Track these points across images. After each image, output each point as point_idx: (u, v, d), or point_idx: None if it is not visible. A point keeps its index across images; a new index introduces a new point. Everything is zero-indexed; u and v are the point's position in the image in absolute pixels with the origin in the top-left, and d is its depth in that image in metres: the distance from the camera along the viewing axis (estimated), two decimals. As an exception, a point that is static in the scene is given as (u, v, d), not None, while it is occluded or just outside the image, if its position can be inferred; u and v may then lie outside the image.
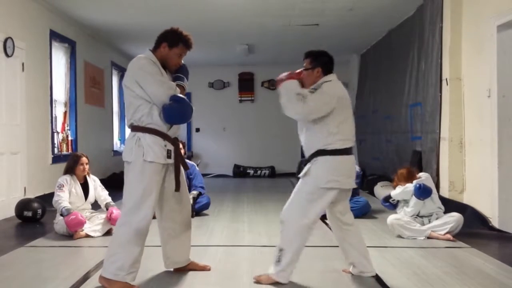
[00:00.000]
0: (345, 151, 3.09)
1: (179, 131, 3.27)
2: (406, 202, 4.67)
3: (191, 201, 5.40)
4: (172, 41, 3.14)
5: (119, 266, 2.97)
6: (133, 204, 3.01)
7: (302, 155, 3.39)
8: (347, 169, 3.12)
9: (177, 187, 3.16)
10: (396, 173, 4.89)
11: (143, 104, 3.03)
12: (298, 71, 3.19)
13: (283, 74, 3.15)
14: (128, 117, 3.14)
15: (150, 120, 3.03)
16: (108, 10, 7.22)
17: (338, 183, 3.05)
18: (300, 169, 3.20)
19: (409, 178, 4.68)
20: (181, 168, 3.25)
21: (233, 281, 3.28)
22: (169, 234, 3.31)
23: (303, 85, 3.16)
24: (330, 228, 4.99)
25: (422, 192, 4.46)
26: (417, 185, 4.47)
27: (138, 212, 2.99)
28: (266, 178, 11.27)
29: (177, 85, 3.12)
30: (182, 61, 3.27)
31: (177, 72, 3.22)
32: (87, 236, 4.53)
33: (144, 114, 3.03)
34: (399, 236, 4.53)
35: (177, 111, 3.01)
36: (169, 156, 3.09)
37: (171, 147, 3.10)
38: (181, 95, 3.05)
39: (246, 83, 12.09)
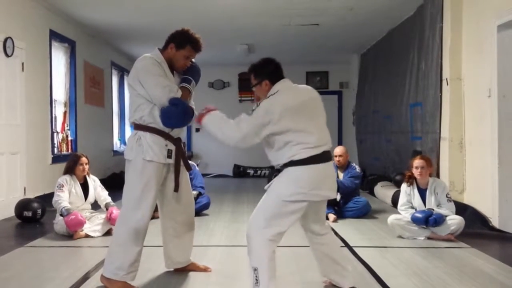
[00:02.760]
0: (312, 160, 2.73)
1: (183, 131, 3.26)
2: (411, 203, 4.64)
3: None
4: (179, 42, 3.08)
5: (119, 265, 2.98)
6: (132, 203, 3.01)
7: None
8: (315, 180, 2.74)
9: (176, 188, 3.15)
10: (410, 165, 4.62)
11: (144, 104, 3.02)
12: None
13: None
14: (130, 115, 3.14)
15: (151, 120, 3.01)
16: (108, 10, 7.21)
17: (304, 195, 2.72)
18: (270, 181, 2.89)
19: (430, 165, 4.58)
20: (183, 168, 3.23)
21: (233, 281, 3.28)
22: (171, 234, 3.31)
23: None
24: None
25: (435, 225, 4.36)
26: (433, 219, 4.32)
27: (136, 212, 3.00)
28: (266, 178, 11.25)
29: (182, 87, 3.06)
30: (194, 61, 3.22)
31: (186, 73, 3.16)
32: (87, 236, 4.52)
33: (145, 114, 3.02)
34: (400, 236, 4.53)
35: (173, 114, 2.94)
36: (169, 156, 3.07)
37: (172, 146, 3.09)
38: (179, 98, 2.97)
39: (246, 83, 11.97)
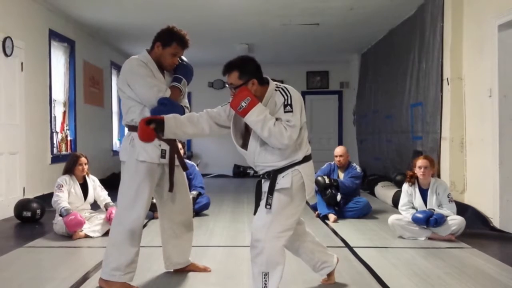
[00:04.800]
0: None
1: None
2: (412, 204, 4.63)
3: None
4: (165, 40, 3.07)
5: (115, 266, 2.98)
6: (126, 204, 3.01)
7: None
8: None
9: (171, 188, 3.14)
10: (414, 165, 4.59)
11: (135, 106, 3.02)
12: (242, 91, 2.56)
13: (242, 101, 2.51)
14: (123, 117, 3.14)
15: None
16: (107, 10, 7.20)
17: (313, 188, 2.80)
18: (270, 183, 2.65)
19: (433, 165, 4.56)
20: (180, 168, 3.22)
21: (233, 281, 3.27)
22: (169, 235, 3.30)
23: None
24: (330, 228, 5.01)
25: (436, 225, 4.33)
26: (434, 219, 4.29)
27: (131, 212, 2.99)
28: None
29: (172, 87, 3.06)
30: (186, 60, 3.22)
31: (176, 72, 3.16)
32: (86, 236, 4.51)
33: (136, 116, 3.01)
34: (400, 237, 4.51)
35: (162, 114, 2.88)
36: (163, 156, 3.06)
37: (166, 146, 3.07)
38: (168, 98, 2.96)
39: (246, 83, 12.04)
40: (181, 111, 3.03)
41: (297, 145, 2.64)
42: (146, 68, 3.02)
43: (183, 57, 3.22)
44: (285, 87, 2.66)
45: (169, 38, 3.07)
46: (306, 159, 2.69)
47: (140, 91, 2.97)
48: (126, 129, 3.16)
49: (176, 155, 3.15)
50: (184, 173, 3.34)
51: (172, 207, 3.25)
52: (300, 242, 2.96)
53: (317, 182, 5.34)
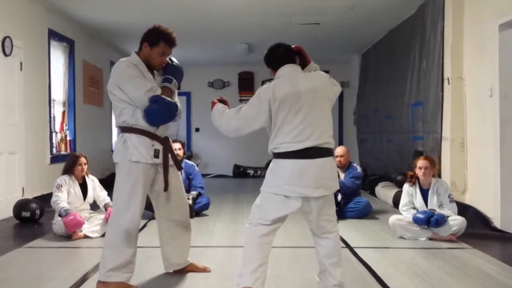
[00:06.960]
0: (289, 155, 2.68)
1: (170, 130, 3.23)
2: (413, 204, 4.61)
3: (191, 202, 5.38)
4: (152, 40, 3.08)
5: (112, 268, 2.96)
6: (121, 205, 3.01)
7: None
8: (290, 175, 2.67)
9: (165, 187, 3.13)
10: (414, 165, 4.58)
11: (127, 107, 3.01)
12: None
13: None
14: (115, 120, 3.14)
15: (135, 121, 3.00)
16: (107, 9, 7.19)
17: (277, 189, 2.69)
18: None
19: (434, 165, 4.56)
20: (174, 168, 3.20)
21: (233, 282, 3.24)
22: (167, 236, 3.29)
23: None
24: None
25: (437, 225, 4.32)
26: (435, 219, 4.28)
27: (126, 213, 2.98)
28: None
29: (163, 87, 3.05)
30: (175, 60, 3.22)
31: (165, 72, 3.16)
32: (86, 236, 4.50)
33: (128, 117, 3.01)
34: (401, 237, 4.50)
35: (156, 112, 2.93)
36: (156, 156, 3.05)
37: (159, 146, 3.07)
38: (159, 95, 2.96)
39: (246, 83, 12.04)
40: (175, 108, 3.03)
41: (270, 140, 2.83)
42: (136, 69, 3.03)
43: (173, 58, 3.22)
44: (272, 81, 2.86)
45: (156, 38, 3.08)
46: (274, 155, 2.81)
47: (131, 92, 2.97)
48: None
49: (170, 155, 3.14)
50: (180, 173, 3.32)
51: (168, 207, 3.23)
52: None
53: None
